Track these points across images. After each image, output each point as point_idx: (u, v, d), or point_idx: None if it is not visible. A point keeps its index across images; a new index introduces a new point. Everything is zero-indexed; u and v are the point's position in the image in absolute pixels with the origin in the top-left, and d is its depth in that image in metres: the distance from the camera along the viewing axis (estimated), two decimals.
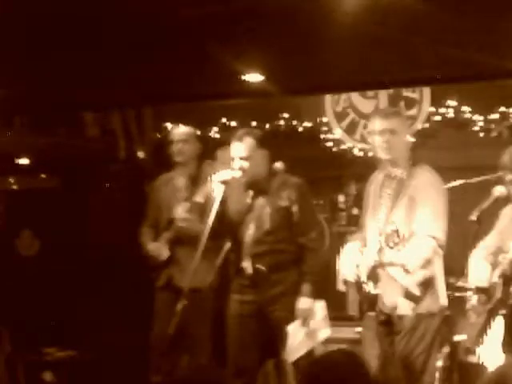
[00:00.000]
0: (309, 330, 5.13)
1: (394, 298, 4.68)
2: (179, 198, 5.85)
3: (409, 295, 4.65)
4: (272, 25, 4.32)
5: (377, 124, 4.82)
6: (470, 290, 4.72)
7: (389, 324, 4.77)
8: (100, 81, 5.56)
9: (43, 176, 7.76)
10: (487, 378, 2.54)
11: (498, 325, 4.47)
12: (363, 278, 4.75)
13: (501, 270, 4.52)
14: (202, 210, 5.61)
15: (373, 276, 4.71)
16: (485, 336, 4.49)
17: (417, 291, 4.65)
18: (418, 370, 4.67)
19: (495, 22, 4.31)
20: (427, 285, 4.69)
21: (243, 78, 5.55)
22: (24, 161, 7.49)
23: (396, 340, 4.74)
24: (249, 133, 5.33)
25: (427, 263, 4.61)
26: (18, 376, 5.88)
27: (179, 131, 5.95)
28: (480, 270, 4.64)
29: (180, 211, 5.74)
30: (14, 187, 7.63)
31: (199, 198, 5.60)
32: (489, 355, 4.45)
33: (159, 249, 5.80)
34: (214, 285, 5.65)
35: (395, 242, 4.47)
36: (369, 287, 4.74)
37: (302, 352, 5.10)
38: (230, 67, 5.13)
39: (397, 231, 4.45)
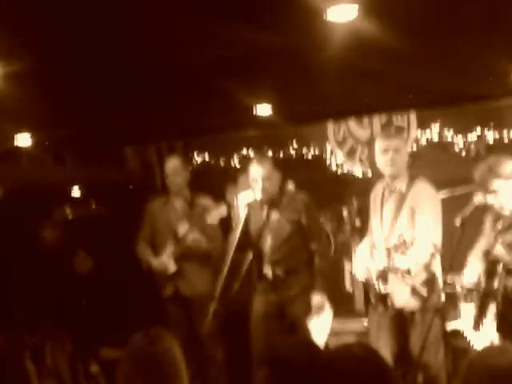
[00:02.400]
0: (321, 322, 5.15)
1: (403, 297, 4.68)
2: (178, 219, 5.82)
3: (416, 294, 4.66)
4: (276, 63, 4.35)
5: (382, 144, 4.83)
6: (460, 286, 4.72)
7: (400, 319, 4.76)
8: (134, 120, 5.62)
9: (93, 205, 7.80)
10: (469, 358, 2.48)
11: (489, 314, 4.45)
12: (374, 280, 4.75)
13: (485, 266, 4.52)
14: (210, 230, 5.62)
15: (382, 277, 4.72)
16: (480, 325, 4.47)
17: (422, 290, 4.65)
18: (432, 360, 4.64)
19: (466, 51, 4.32)
20: (430, 284, 4.69)
21: (254, 111, 5.58)
22: (77, 192, 7.55)
23: (409, 333, 4.73)
24: (266, 157, 5.41)
25: (428, 265, 4.62)
26: (78, 375, 5.89)
27: (169, 166, 5.93)
28: (473, 268, 4.63)
29: (187, 230, 5.71)
30: (69, 214, 7.67)
31: (211, 220, 5.57)
32: (480, 341, 4.43)
33: (165, 263, 5.77)
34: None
35: (403, 251, 4.47)
36: (379, 287, 4.74)
37: (321, 342, 5.12)
38: (242, 101, 5.17)
39: (405, 242, 4.45)
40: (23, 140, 5.85)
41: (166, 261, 5.75)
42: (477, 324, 4.49)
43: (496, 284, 4.38)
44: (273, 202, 5.30)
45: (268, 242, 5.32)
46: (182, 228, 5.74)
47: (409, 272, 4.61)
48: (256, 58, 4.08)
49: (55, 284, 6.50)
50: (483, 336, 4.44)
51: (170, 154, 7.12)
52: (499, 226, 4.51)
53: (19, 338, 5.87)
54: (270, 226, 5.31)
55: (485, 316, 4.45)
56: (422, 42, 3.97)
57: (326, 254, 5.36)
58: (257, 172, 5.22)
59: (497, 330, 4.38)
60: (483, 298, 4.48)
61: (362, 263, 4.86)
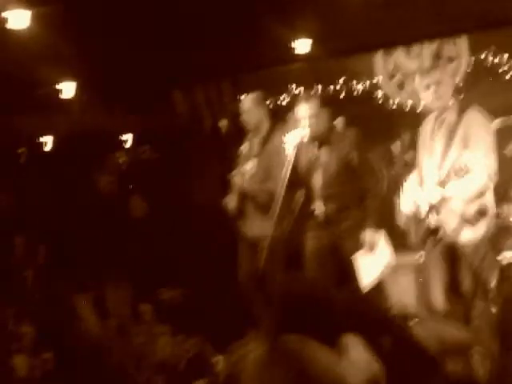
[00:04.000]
0: (375, 258, 5.15)
1: (455, 228, 4.64)
2: (251, 155, 5.82)
3: (469, 224, 4.62)
4: None
5: (422, 80, 4.79)
6: None
7: (451, 250, 4.74)
8: (180, 60, 5.60)
9: (145, 150, 7.87)
10: None
11: None
12: (424, 211, 4.72)
13: None
14: (264, 169, 5.62)
15: (434, 209, 4.68)
16: None
17: (475, 220, 4.61)
18: (476, 285, 4.63)
19: None
20: (483, 214, 4.64)
21: (293, 45, 5.49)
22: (128, 138, 7.63)
23: (461, 266, 4.71)
24: (313, 94, 5.37)
25: (482, 193, 4.57)
26: (138, 316, 6.04)
27: (243, 103, 5.88)
28: None
29: (245, 168, 5.72)
30: (122, 160, 7.76)
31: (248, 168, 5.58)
32: None
33: (230, 200, 5.81)
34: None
35: (462, 175, 4.41)
36: (431, 220, 4.71)
37: (373, 277, 5.13)
38: (285, 36, 5.11)
39: (465, 165, 4.39)
40: (70, 87, 5.89)
41: (231, 198, 5.81)
42: None
43: None
44: (322, 139, 5.28)
45: (319, 179, 5.32)
46: (248, 167, 5.76)
47: (463, 198, 4.56)
48: None
49: (113, 229, 6.64)
50: None
51: (219, 96, 7.12)
52: None
53: (82, 284, 6.04)
54: (320, 163, 5.31)
55: None
56: None
57: (377, 191, 5.32)
58: (304, 110, 5.20)
59: None
60: None
61: (411, 197, 4.82)
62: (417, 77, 4.92)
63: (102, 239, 6.43)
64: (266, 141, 5.79)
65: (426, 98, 4.83)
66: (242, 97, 5.91)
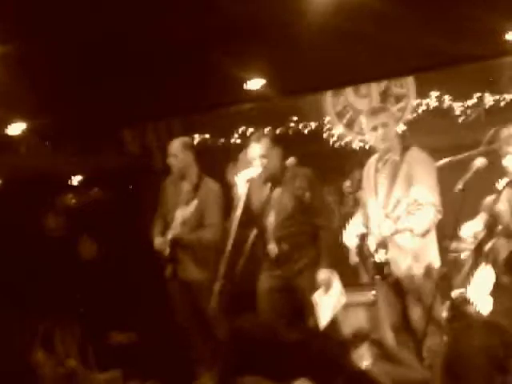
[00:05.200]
0: (330, 297, 5.15)
1: (403, 262, 4.68)
2: (181, 202, 5.78)
3: (416, 258, 4.67)
4: (266, 35, 4.33)
5: (369, 122, 4.86)
6: (463, 249, 4.71)
7: (398, 286, 4.77)
8: (129, 101, 5.59)
9: (94, 191, 7.80)
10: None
11: (485, 272, 4.45)
12: (372, 248, 4.76)
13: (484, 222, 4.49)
14: (210, 213, 5.63)
15: (382, 245, 4.72)
16: (471, 279, 4.46)
17: (422, 254, 4.67)
18: (427, 322, 4.66)
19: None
20: (430, 249, 4.70)
21: (248, 85, 5.54)
22: (77, 179, 7.55)
23: (406, 298, 4.74)
24: (264, 134, 5.39)
25: (429, 230, 4.63)
26: (88, 357, 5.92)
27: (170, 146, 5.87)
28: (473, 224, 4.61)
29: (178, 215, 5.70)
30: (71, 202, 7.68)
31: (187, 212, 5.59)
32: (479, 301, 4.43)
33: (162, 245, 5.76)
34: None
35: (413, 212, 4.45)
36: (379, 255, 4.74)
37: (328, 317, 5.12)
38: (233, 76, 5.14)
39: (417, 201, 4.43)
40: (18, 129, 5.83)
41: (164, 243, 5.74)
42: (468, 279, 4.48)
43: (489, 244, 4.37)
44: (274, 178, 5.30)
45: (272, 219, 5.32)
46: (180, 214, 5.70)
47: (412, 231, 4.61)
48: (248, 32, 4.04)
49: (62, 271, 6.53)
50: (481, 297, 4.43)
51: (169, 135, 7.10)
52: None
53: (30, 326, 5.90)
54: (272, 202, 5.31)
55: (474, 272, 4.44)
56: (414, 3, 3.93)
57: (330, 229, 5.35)
58: (255, 150, 5.21)
59: (490, 294, 4.39)
60: (476, 255, 4.47)
61: (353, 232, 4.87)
62: (363, 118, 4.99)
63: (51, 281, 6.32)
64: (197, 187, 5.77)
65: (372, 139, 4.90)
66: (172, 140, 5.92)
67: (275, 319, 5.19)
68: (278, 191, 5.31)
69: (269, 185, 5.31)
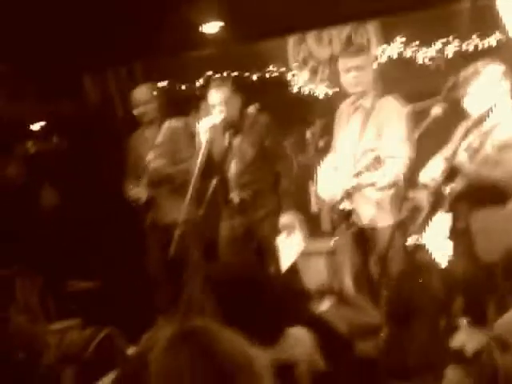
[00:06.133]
0: (292, 241, 5.19)
1: (368, 213, 4.70)
2: (149, 147, 5.76)
3: (380, 209, 4.69)
4: None
5: (344, 63, 4.82)
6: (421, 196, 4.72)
7: (362, 236, 4.80)
8: (88, 45, 5.49)
9: (54, 139, 7.67)
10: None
11: (441, 218, 4.49)
12: (338, 197, 4.76)
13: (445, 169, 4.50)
14: (170, 153, 5.62)
15: (347, 195, 4.73)
16: (427, 226, 4.50)
17: (387, 205, 4.69)
18: (382, 271, 4.71)
19: None
20: (394, 199, 4.72)
21: (203, 28, 5.46)
22: (36, 126, 7.42)
23: (367, 248, 4.78)
24: (224, 81, 5.33)
25: (396, 181, 4.64)
26: (49, 306, 5.91)
27: (137, 95, 5.84)
28: (432, 168, 4.62)
29: (150, 155, 5.68)
30: (31, 149, 7.55)
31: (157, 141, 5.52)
32: (436, 247, 4.47)
33: (138, 193, 5.76)
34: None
35: (376, 168, 4.45)
36: (344, 204, 4.75)
37: (289, 262, 5.16)
38: (192, 20, 5.07)
39: (379, 158, 4.43)
40: None
41: (139, 191, 5.73)
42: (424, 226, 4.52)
43: (448, 190, 4.40)
44: (234, 126, 5.26)
45: (232, 167, 5.31)
46: (150, 156, 5.71)
47: (375, 185, 4.62)
48: None
49: (22, 219, 6.46)
50: (439, 244, 4.47)
51: (130, 82, 7.00)
52: (467, 131, 4.49)
53: None
54: (233, 150, 5.29)
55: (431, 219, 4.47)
56: None
57: (290, 175, 5.35)
58: (215, 96, 5.16)
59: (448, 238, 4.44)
60: (435, 201, 4.50)
61: (325, 182, 4.87)
62: (339, 60, 4.93)
63: (12, 229, 6.26)
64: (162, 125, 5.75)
65: (346, 82, 4.85)
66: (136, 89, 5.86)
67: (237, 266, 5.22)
68: (238, 139, 5.28)
69: (229, 132, 5.28)
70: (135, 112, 5.88)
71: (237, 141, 5.30)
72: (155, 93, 5.90)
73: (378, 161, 4.44)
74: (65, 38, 5.32)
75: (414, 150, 4.71)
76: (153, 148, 5.77)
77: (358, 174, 4.63)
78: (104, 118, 7.22)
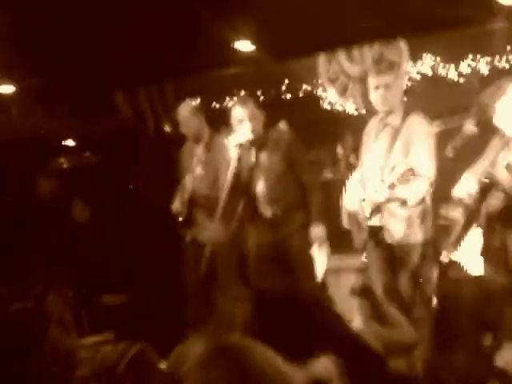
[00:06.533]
0: (322, 253, 5.21)
1: (398, 229, 4.68)
2: (195, 164, 5.80)
3: (410, 226, 4.67)
4: None
5: (373, 80, 4.84)
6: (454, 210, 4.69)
7: (393, 253, 4.77)
8: (121, 63, 5.55)
9: (87, 154, 7.76)
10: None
11: (475, 234, 4.46)
12: (367, 212, 4.75)
13: (480, 183, 4.47)
14: (212, 175, 5.63)
15: (377, 210, 4.72)
16: (461, 242, 4.47)
17: (416, 222, 4.66)
18: (414, 290, 4.68)
19: None
20: (424, 216, 4.70)
21: (235, 46, 5.49)
22: (69, 142, 7.51)
23: (398, 265, 4.75)
24: (248, 98, 5.39)
25: (425, 197, 4.63)
26: (82, 320, 5.94)
27: (180, 112, 5.85)
28: (466, 184, 4.59)
29: (190, 177, 5.70)
30: (64, 165, 7.64)
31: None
32: (470, 263, 4.44)
33: (178, 209, 5.80)
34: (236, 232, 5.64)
35: (409, 179, 4.43)
36: (374, 221, 4.74)
37: (322, 273, 5.18)
38: (223, 39, 5.10)
39: (412, 169, 4.41)
40: (10, 89, 5.78)
41: (179, 206, 5.77)
42: (459, 242, 4.50)
43: (486, 206, 4.37)
44: (260, 142, 5.28)
45: (260, 183, 5.31)
46: (196, 172, 5.73)
47: (406, 202, 4.61)
48: None
49: (54, 234, 6.51)
50: (477, 264, 4.44)
51: (162, 99, 7.06)
52: (505, 147, 4.46)
53: (22, 290, 5.89)
54: (260, 166, 5.30)
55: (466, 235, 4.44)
56: None
57: (316, 188, 5.36)
58: (240, 113, 5.20)
59: (481, 255, 4.40)
60: (470, 217, 4.47)
61: (354, 196, 4.86)
62: (368, 78, 4.95)
63: (44, 244, 6.31)
64: (209, 147, 5.78)
65: (374, 100, 4.87)
66: (180, 105, 5.89)
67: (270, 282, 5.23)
68: (264, 155, 5.30)
69: (254, 149, 5.30)
70: (182, 129, 5.89)
71: (263, 157, 5.32)
72: (195, 110, 5.89)
73: (411, 172, 4.41)
74: (99, 56, 5.38)
75: (444, 166, 4.69)
76: (196, 165, 5.78)
77: (391, 187, 4.61)
78: (136, 135, 7.28)
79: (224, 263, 5.57)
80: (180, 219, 5.81)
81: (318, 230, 5.20)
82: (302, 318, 2.63)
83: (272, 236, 5.31)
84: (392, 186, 4.54)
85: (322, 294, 5.09)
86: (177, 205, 5.81)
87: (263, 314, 2.60)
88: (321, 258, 5.23)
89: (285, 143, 5.27)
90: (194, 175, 5.72)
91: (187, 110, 5.82)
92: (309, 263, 5.21)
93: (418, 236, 4.73)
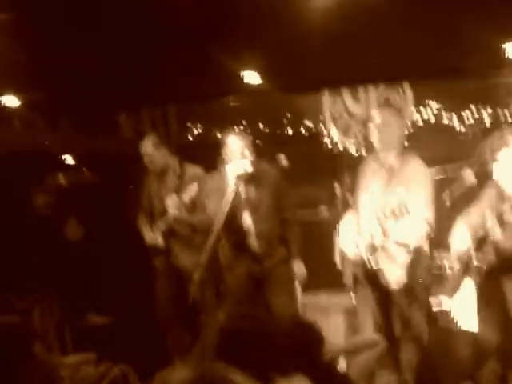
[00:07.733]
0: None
1: (395, 273, 4.66)
2: (168, 193, 5.76)
3: (407, 270, 4.65)
4: (266, 31, 4.31)
5: (374, 117, 4.87)
6: (448, 259, 4.68)
7: (387, 295, 4.75)
8: (126, 85, 5.57)
9: (86, 173, 7.74)
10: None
11: (470, 289, 4.44)
12: (365, 256, 4.73)
13: (474, 237, 4.46)
14: (190, 206, 5.62)
15: (372, 252, 4.70)
16: (455, 293, 4.45)
17: (412, 268, 4.65)
18: (414, 332, 4.65)
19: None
20: (419, 262, 4.69)
21: (242, 77, 5.52)
22: (69, 158, 7.50)
23: (395, 311, 4.73)
24: (247, 131, 5.44)
25: (423, 242, 4.62)
26: (65, 338, 5.90)
27: (143, 149, 5.83)
28: (460, 234, 4.58)
29: (171, 207, 5.66)
30: (62, 181, 7.61)
31: (186, 199, 5.56)
32: (464, 318, 4.42)
33: (155, 239, 5.76)
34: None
35: (399, 216, 4.42)
36: (371, 264, 4.72)
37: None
38: (230, 69, 5.13)
39: (405, 205, 4.40)
40: (12, 102, 5.78)
41: (156, 236, 5.73)
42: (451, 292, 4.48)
43: (479, 260, 4.35)
44: (251, 175, 5.27)
45: (249, 216, 5.30)
46: (169, 203, 5.68)
47: (406, 245, 4.60)
48: (248, 26, 4.02)
49: (45, 250, 6.47)
50: (469, 316, 4.41)
51: (164, 122, 7.07)
52: (499, 201, 4.45)
53: (8, 303, 5.85)
54: (248, 200, 5.30)
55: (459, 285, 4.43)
56: (417, 13, 3.91)
57: (297, 225, 5.38)
58: (238, 144, 5.19)
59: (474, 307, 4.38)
60: (463, 268, 4.46)
61: (348, 237, 4.85)
62: (371, 116, 4.98)
63: (34, 259, 6.27)
64: (182, 175, 5.76)
65: (374, 138, 4.88)
66: (144, 140, 5.88)
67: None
68: (252, 188, 5.29)
69: (248, 181, 5.29)
70: (148, 165, 5.86)
71: (251, 190, 5.31)
72: (157, 145, 5.83)
73: (404, 208, 4.41)
74: (104, 74, 5.40)
75: (441, 214, 4.69)
76: (173, 194, 5.74)
77: (381, 223, 4.60)
78: (136, 156, 7.27)
79: (208, 291, 5.56)
80: (156, 247, 5.78)
81: (299, 266, 5.25)
82: (268, 347, 2.61)
83: (256, 268, 5.31)
84: (382, 223, 4.54)
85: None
86: (151, 235, 5.78)
87: (229, 340, 2.59)
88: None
89: (272, 179, 5.29)
90: (177, 203, 5.65)
91: (149, 145, 5.79)
92: (289, 294, 5.21)
93: (413, 281, 4.71)
